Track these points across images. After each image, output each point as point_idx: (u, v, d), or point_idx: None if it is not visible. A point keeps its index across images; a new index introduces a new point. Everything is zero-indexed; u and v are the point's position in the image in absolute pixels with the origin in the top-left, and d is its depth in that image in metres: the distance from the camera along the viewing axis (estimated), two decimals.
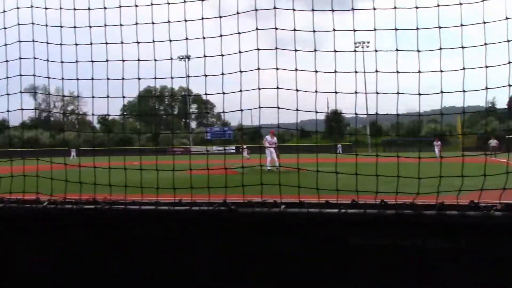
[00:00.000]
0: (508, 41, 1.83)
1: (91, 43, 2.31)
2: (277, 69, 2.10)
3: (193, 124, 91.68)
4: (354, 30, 2.00)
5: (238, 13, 2.08)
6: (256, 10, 2.05)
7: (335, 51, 2.00)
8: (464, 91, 1.89)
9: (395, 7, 1.93)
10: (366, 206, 1.85)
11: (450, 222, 1.72)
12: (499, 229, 1.71)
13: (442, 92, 1.93)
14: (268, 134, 21.16)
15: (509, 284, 1.72)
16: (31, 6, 2.36)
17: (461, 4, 1.89)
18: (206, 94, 2.22)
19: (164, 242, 2.09)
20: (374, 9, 1.95)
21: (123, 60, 2.32)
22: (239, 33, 2.12)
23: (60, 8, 2.32)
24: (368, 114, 2.46)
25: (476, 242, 1.73)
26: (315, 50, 2.02)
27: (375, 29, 1.96)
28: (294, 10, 2.02)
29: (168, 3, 2.23)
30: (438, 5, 1.88)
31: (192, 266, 2.06)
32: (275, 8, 2.04)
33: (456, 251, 1.73)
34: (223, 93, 2.18)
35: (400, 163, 2.02)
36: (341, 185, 2.00)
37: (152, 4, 2.22)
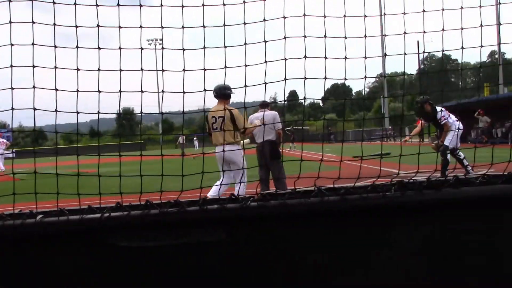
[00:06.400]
0: None
1: None
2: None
3: None
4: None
5: None
6: None
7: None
8: None
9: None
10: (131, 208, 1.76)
11: (212, 216, 1.74)
12: (256, 220, 1.77)
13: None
14: None
15: (266, 276, 1.77)
16: None
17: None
18: None
19: None
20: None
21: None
22: None
23: None
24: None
25: (235, 234, 1.76)
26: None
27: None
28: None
29: None
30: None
31: None
32: None
33: (218, 244, 1.75)
34: None
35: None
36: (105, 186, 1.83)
37: None
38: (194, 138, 48.18)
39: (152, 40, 55.51)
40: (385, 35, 1.81)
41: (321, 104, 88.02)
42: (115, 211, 1.75)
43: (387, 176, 1.89)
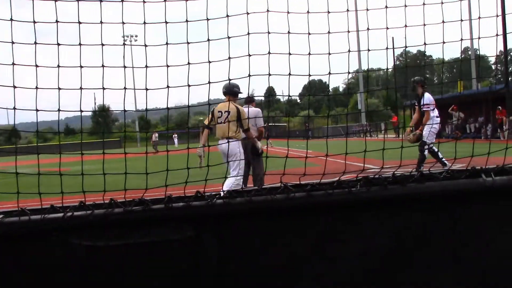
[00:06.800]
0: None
1: None
2: None
3: None
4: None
5: None
6: None
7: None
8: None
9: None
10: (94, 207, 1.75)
11: (177, 214, 1.75)
12: (223, 217, 1.79)
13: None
14: None
15: (234, 272, 1.80)
16: None
17: None
18: None
19: None
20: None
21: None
22: None
23: None
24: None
25: (202, 232, 1.78)
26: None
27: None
28: None
29: None
30: None
31: None
32: None
33: (185, 241, 1.77)
34: None
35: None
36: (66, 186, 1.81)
37: None
38: (174, 135, 48.00)
39: (127, 36, 55.01)
40: (349, 31, 1.82)
41: (298, 101, 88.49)
42: (78, 210, 1.72)
43: (353, 171, 1.91)
